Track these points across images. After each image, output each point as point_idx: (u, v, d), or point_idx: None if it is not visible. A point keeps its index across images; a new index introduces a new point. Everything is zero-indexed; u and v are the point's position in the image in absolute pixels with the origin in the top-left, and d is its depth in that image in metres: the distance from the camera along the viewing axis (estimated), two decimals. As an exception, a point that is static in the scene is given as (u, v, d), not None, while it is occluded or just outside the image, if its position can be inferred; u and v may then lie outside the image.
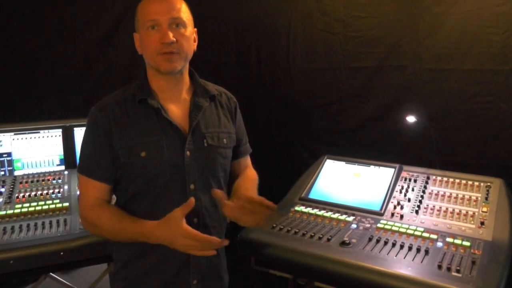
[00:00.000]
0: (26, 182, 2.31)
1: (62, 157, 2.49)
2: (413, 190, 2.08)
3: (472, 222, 1.85)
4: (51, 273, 2.40)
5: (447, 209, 1.94)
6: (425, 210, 1.96)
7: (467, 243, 1.71)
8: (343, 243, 1.75)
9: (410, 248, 1.69)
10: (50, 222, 2.01)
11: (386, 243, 1.74)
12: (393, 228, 1.85)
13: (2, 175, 2.38)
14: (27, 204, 2.13)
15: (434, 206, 1.96)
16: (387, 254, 1.67)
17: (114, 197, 1.65)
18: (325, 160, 2.35)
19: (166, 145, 1.55)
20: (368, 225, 1.90)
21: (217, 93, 1.72)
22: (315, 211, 2.04)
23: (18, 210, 2.08)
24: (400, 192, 2.08)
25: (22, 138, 2.42)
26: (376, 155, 2.33)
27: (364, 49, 2.50)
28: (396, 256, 1.66)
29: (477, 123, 2.21)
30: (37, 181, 2.34)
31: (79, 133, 2.47)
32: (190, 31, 1.60)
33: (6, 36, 2.98)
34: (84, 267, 2.18)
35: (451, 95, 2.26)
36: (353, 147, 2.55)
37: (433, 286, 1.46)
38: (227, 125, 1.70)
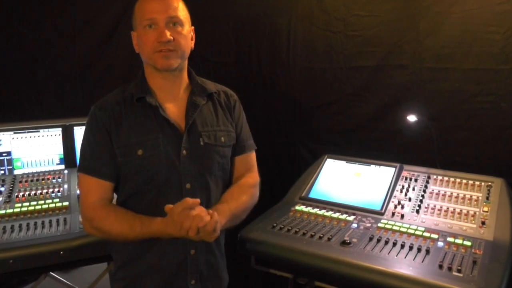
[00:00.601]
0: (26, 181, 2.31)
1: (62, 156, 2.48)
2: (413, 189, 2.07)
3: (473, 221, 1.84)
4: (51, 273, 2.40)
5: (448, 208, 1.93)
6: (426, 209, 1.96)
7: (468, 243, 1.70)
8: (344, 243, 1.75)
9: (411, 248, 1.69)
10: (50, 221, 2.01)
11: (386, 242, 1.74)
12: (394, 227, 1.85)
13: (2, 174, 2.37)
14: (27, 203, 2.13)
15: (435, 206, 1.96)
16: (388, 254, 1.66)
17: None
18: (326, 160, 2.34)
19: (162, 143, 1.55)
20: (368, 225, 1.90)
21: (215, 91, 1.72)
22: (316, 210, 2.04)
23: (18, 209, 2.08)
24: (401, 191, 2.08)
25: (22, 137, 2.42)
26: (376, 154, 2.33)
27: (365, 49, 2.49)
28: (396, 255, 1.65)
29: (477, 123, 2.21)
30: (37, 180, 2.33)
31: (79, 132, 2.47)
32: (187, 29, 1.60)
33: (6, 36, 2.98)
34: (84, 267, 2.17)
35: (452, 94, 2.25)
36: (353, 147, 2.55)
37: (434, 286, 1.46)
38: (225, 123, 1.70)
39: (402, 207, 2.00)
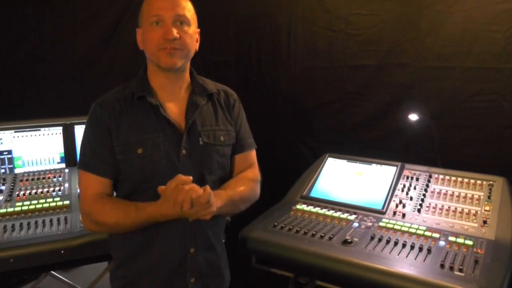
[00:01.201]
0: (27, 180, 2.31)
1: (63, 155, 2.48)
2: (415, 188, 2.07)
3: (475, 221, 1.84)
4: (51, 272, 2.39)
5: (449, 207, 1.93)
6: (427, 208, 1.95)
7: (469, 242, 1.70)
8: (345, 242, 1.74)
9: (412, 247, 1.69)
10: (51, 220, 2.01)
11: (388, 242, 1.74)
12: (395, 226, 1.85)
13: (3, 173, 2.37)
14: (28, 202, 2.13)
15: (436, 205, 1.96)
16: (389, 253, 1.66)
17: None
18: (327, 159, 2.34)
19: (163, 142, 1.55)
20: (370, 224, 1.90)
21: (216, 91, 1.72)
22: (317, 209, 2.04)
23: (19, 208, 2.07)
24: (402, 190, 2.08)
25: (22, 136, 2.41)
26: (377, 153, 2.33)
27: (366, 47, 2.49)
28: (398, 255, 1.65)
29: (479, 122, 2.21)
30: (38, 179, 2.33)
31: (79, 131, 2.46)
32: (194, 30, 1.60)
33: (7, 36, 2.98)
34: (84, 266, 2.17)
35: (453, 93, 2.25)
36: (354, 146, 2.55)
37: (436, 285, 1.46)
38: (225, 122, 1.69)
39: (404, 206, 1.99)
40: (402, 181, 2.13)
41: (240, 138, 1.74)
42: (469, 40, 2.18)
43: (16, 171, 2.40)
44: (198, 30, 1.65)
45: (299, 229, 1.86)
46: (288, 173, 2.78)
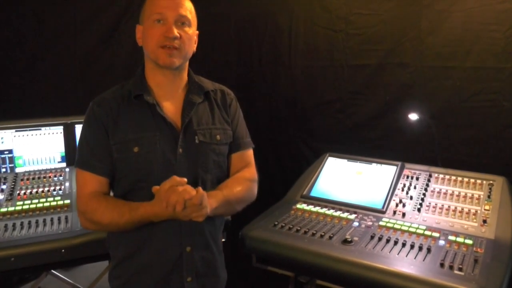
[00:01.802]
0: (28, 179, 2.31)
1: (64, 154, 2.48)
2: (415, 188, 2.07)
3: (475, 220, 1.84)
4: (52, 271, 2.39)
5: (449, 207, 1.93)
6: (427, 208, 1.96)
7: (469, 241, 1.70)
8: (345, 241, 1.75)
9: (412, 246, 1.69)
10: (51, 219, 2.01)
11: (388, 241, 1.74)
12: (395, 226, 1.85)
13: (4, 172, 2.37)
14: (29, 201, 2.13)
15: (436, 204, 1.96)
16: (389, 252, 1.66)
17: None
18: (327, 158, 2.34)
19: (159, 141, 1.56)
20: (370, 223, 1.90)
21: (212, 90, 1.72)
22: (317, 209, 2.04)
23: (20, 207, 2.08)
24: (402, 190, 2.08)
25: (23, 135, 2.42)
26: (378, 153, 2.33)
27: (366, 47, 2.49)
28: (398, 254, 1.65)
29: (479, 121, 2.21)
30: (39, 178, 2.34)
31: (80, 130, 2.45)
32: (193, 31, 1.63)
33: (7, 36, 2.98)
34: (85, 265, 2.18)
35: (453, 93, 2.25)
36: (355, 145, 2.55)
37: (436, 284, 1.46)
38: (221, 121, 1.70)
39: (404, 205, 2.00)
40: (402, 181, 2.13)
41: (236, 137, 1.75)
42: (470, 39, 2.18)
43: (17, 170, 2.40)
44: (197, 32, 1.67)
45: (299, 228, 1.86)
46: (288, 172, 2.79)
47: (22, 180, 2.30)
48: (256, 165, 1.83)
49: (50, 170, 2.41)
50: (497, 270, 1.52)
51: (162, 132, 1.57)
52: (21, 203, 2.12)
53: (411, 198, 2.02)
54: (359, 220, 1.93)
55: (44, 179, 2.33)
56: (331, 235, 1.80)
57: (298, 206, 2.08)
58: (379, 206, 2.01)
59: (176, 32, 1.52)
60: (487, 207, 1.89)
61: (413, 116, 2.30)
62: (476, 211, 1.88)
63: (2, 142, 2.38)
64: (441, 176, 2.10)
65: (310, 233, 1.82)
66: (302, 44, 2.71)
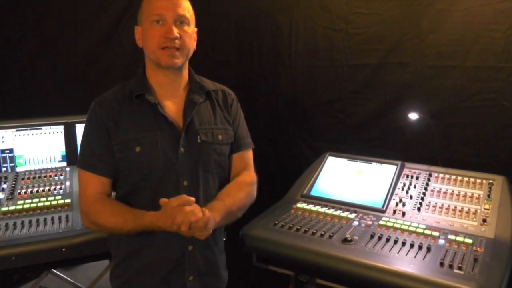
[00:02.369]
0: (28, 179, 2.31)
1: (64, 153, 2.48)
2: (415, 187, 2.08)
3: (474, 219, 1.85)
4: (53, 270, 2.40)
5: (449, 206, 1.94)
6: (427, 207, 1.96)
7: (469, 241, 1.71)
8: (345, 240, 1.75)
9: (412, 246, 1.69)
10: (52, 219, 2.02)
11: (388, 240, 1.74)
12: (395, 225, 1.85)
13: (4, 171, 2.38)
14: (29, 201, 2.14)
15: (436, 203, 1.96)
16: (389, 251, 1.67)
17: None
18: (327, 157, 2.35)
19: (160, 140, 1.56)
20: (370, 222, 1.90)
21: (214, 90, 1.73)
22: (317, 208, 2.04)
23: (20, 207, 2.08)
24: (402, 189, 2.08)
25: (24, 135, 2.42)
26: (378, 152, 2.33)
27: (366, 46, 2.49)
28: (398, 253, 1.66)
29: (479, 121, 2.21)
30: (39, 177, 2.34)
31: (80, 130, 2.46)
32: (192, 29, 1.64)
33: (7, 36, 2.98)
34: (86, 264, 2.18)
35: (453, 92, 2.25)
36: (355, 145, 2.55)
37: (435, 283, 1.46)
38: (223, 121, 1.70)
39: (404, 204, 2.00)
40: (402, 180, 2.13)
41: (238, 137, 1.75)
42: (470, 39, 2.18)
43: (18, 169, 2.40)
44: (196, 29, 1.67)
45: (299, 227, 1.86)
46: (288, 172, 2.79)
47: (22, 179, 2.31)
48: (256, 164, 1.84)
49: (51, 170, 2.42)
50: (496, 269, 1.52)
51: (163, 132, 1.57)
52: (21, 202, 2.12)
53: (411, 197, 2.03)
54: (359, 219, 1.94)
55: (45, 178, 2.34)
56: (331, 234, 1.80)
57: (298, 205, 2.08)
58: (379, 205, 2.02)
59: (176, 32, 1.53)
60: (487, 207, 1.89)
61: (413, 116, 2.30)
62: (476, 211, 1.88)
63: (3, 142, 2.38)
64: (441, 175, 2.10)
65: (310, 232, 1.82)
66: (302, 43, 2.71)
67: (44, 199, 2.16)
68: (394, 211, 1.97)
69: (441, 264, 1.56)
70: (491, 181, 2.00)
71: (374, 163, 2.23)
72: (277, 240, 1.80)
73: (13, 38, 2.99)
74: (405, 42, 2.36)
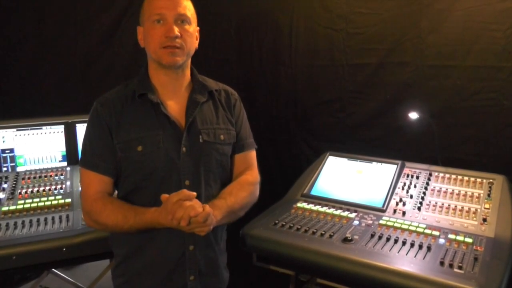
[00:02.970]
0: (29, 178, 2.32)
1: (64, 153, 2.49)
2: (415, 186, 2.08)
3: (475, 218, 1.85)
4: (53, 269, 2.40)
5: (449, 205, 1.94)
6: (427, 206, 1.96)
7: (469, 240, 1.71)
8: (345, 240, 1.75)
9: (412, 245, 1.69)
10: (53, 218, 2.02)
11: (388, 239, 1.74)
12: (395, 224, 1.85)
13: (5, 171, 2.38)
14: (30, 200, 2.14)
15: (436, 203, 1.96)
16: (389, 251, 1.67)
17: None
18: (327, 157, 2.35)
19: (162, 140, 1.56)
20: (370, 222, 1.90)
21: (216, 89, 1.73)
22: (317, 207, 2.04)
23: (21, 206, 2.08)
24: (402, 188, 2.08)
25: (24, 134, 2.42)
26: (378, 151, 2.33)
27: (366, 46, 2.49)
28: (398, 252, 1.66)
29: (479, 120, 2.21)
30: (40, 177, 2.34)
31: (81, 129, 2.47)
32: (194, 28, 1.63)
33: (8, 35, 2.99)
34: (86, 263, 2.18)
35: (454, 92, 2.26)
36: (355, 144, 2.55)
37: (436, 282, 1.46)
38: (225, 121, 1.70)
39: (404, 204, 2.00)
40: (402, 179, 2.13)
41: (240, 137, 1.75)
42: (470, 38, 2.19)
43: (18, 169, 2.41)
44: (198, 28, 1.67)
45: (299, 227, 1.86)
46: (289, 171, 2.79)
47: (23, 179, 2.31)
48: (257, 164, 1.84)
49: (51, 169, 2.42)
50: (496, 268, 1.52)
51: (165, 131, 1.57)
52: (22, 202, 2.13)
53: (411, 196, 2.03)
54: (360, 219, 1.94)
55: (45, 178, 2.34)
56: (332, 234, 1.80)
57: (299, 205, 2.08)
58: (379, 204, 2.02)
59: (176, 31, 1.53)
60: (487, 206, 1.89)
61: (413, 115, 2.30)
62: (476, 210, 1.89)
63: (4, 141, 2.38)
64: (441, 174, 2.10)
65: (311, 231, 1.82)
66: (303, 43, 2.71)
67: (45, 198, 2.16)
68: (395, 211, 1.98)
69: (441, 263, 1.56)
70: (491, 180, 2.00)
71: (374, 163, 2.23)
72: (277, 239, 1.80)
73: (13, 38, 3.00)
74: (405, 42, 2.36)
